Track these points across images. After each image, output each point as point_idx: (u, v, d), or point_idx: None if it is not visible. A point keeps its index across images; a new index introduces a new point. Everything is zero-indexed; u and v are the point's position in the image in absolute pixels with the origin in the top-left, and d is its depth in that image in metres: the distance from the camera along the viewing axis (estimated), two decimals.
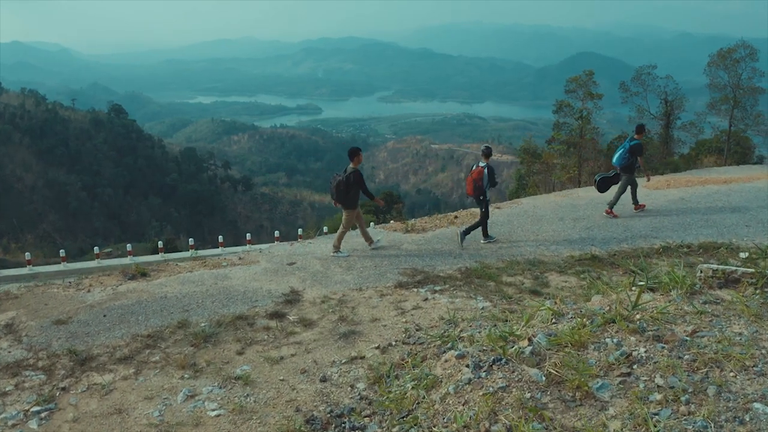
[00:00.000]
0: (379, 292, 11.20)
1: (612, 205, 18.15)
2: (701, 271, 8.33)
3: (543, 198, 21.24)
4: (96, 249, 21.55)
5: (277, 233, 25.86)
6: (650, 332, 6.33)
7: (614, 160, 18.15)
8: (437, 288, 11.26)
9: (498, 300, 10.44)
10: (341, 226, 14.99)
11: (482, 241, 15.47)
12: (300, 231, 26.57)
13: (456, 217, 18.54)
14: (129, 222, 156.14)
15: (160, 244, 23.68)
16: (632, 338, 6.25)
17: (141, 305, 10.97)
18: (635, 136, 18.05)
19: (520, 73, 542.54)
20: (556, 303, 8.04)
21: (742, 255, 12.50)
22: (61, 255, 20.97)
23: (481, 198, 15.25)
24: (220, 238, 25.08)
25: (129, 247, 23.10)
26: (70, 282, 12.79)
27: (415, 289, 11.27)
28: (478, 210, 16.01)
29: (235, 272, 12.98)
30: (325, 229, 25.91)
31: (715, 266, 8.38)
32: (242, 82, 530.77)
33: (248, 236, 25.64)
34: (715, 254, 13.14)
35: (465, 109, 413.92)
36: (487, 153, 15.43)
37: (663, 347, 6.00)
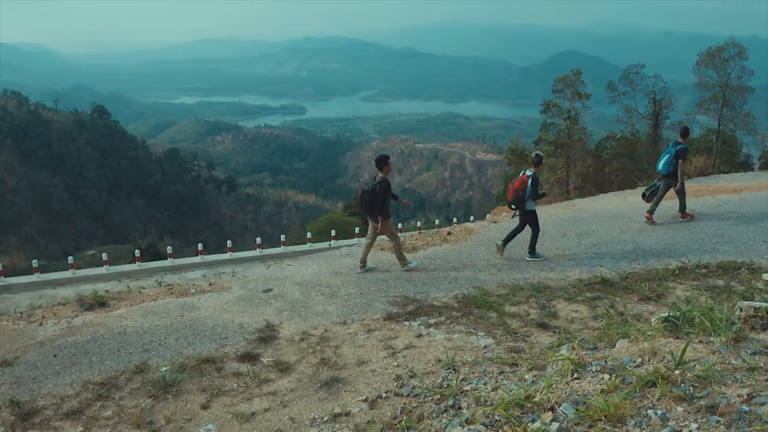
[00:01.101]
0: (366, 326, 9.78)
1: (651, 211, 17.04)
2: (741, 309, 7.12)
3: (543, 211, 19.61)
4: (70, 259, 20.14)
5: (258, 240, 24.47)
6: (700, 400, 5.02)
7: (660, 167, 16.82)
8: (432, 321, 9.81)
9: (502, 335, 9.07)
10: (390, 240, 14.02)
11: (528, 258, 14.20)
12: (283, 237, 25.19)
13: (449, 233, 17.03)
14: (112, 224, 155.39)
15: (137, 252, 22.23)
16: (679, 408, 4.92)
17: (96, 343, 9.58)
18: (680, 140, 16.70)
19: (504, 72, 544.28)
20: (573, 348, 6.76)
21: (765, 277, 11.40)
22: (33, 266, 19.64)
23: (525, 209, 14.07)
24: (200, 246, 23.62)
25: (104, 256, 21.71)
26: (21, 313, 11.40)
27: (407, 323, 9.81)
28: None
29: (205, 301, 11.53)
30: (331, 243, 24.41)
31: (756, 304, 7.16)
32: (226, 82, 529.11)
33: (229, 243, 24.18)
34: (736, 275, 11.89)
35: (449, 108, 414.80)
36: (537, 161, 14.22)
37: (718, 421, 4.69)
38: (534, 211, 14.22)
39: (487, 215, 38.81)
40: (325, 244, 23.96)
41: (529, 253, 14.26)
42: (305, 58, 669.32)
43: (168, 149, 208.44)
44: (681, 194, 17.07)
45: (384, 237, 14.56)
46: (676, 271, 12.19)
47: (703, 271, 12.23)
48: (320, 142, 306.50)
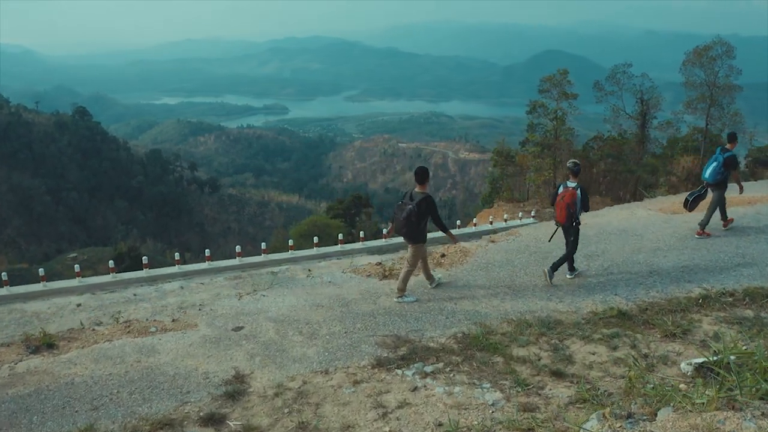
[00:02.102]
0: (352, 376, 8.30)
1: (704, 225, 15.75)
2: None
3: (543, 228, 18.21)
4: (41, 271, 18.66)
5: (238, 248, 23.11)
6: None
7: (706, 175, 15.40)
8: (428, 369, 8.34)
9: (511, 387, 7.65)
10: (406, 264, 12.21)
11: (568, 276, 12.91)
12: (263, 245, 23.76)
13: (443, 255, 15.40)
14: (95, 226, 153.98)
15: (111, 263, 20.77)
16: None
17: (40, 397, 8.11)
18: (728, 146, 15.32)
19: (486, 71, 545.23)
20: (605, 418, 5.40)
21: None
22: (3, 278, 18.22)
23: (574, 224, 12.55)
24: (177, 255, 22.20)
25: (77, 267, 20.21)
26: None
27: (400, 371, 8.32)
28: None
29: (166, 343, 9.96)
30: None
31: None
32: (208, 82, 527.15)
33: (207, 252, 22.82)
34: (766, 305, 10.54)
35: (432, 107, 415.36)
36: (576, 170, 12.58)
37: None
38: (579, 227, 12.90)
39: (474, 219, 37.73)
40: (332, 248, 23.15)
41: (569, 270, 13.06)
42: (287, 58, 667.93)
43: (150, 150, 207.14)
44: (716, 209, 15.78)
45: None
46: (700, 300, 10.79)
47: (729, 299, 10.84)
48: (303, 142, 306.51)
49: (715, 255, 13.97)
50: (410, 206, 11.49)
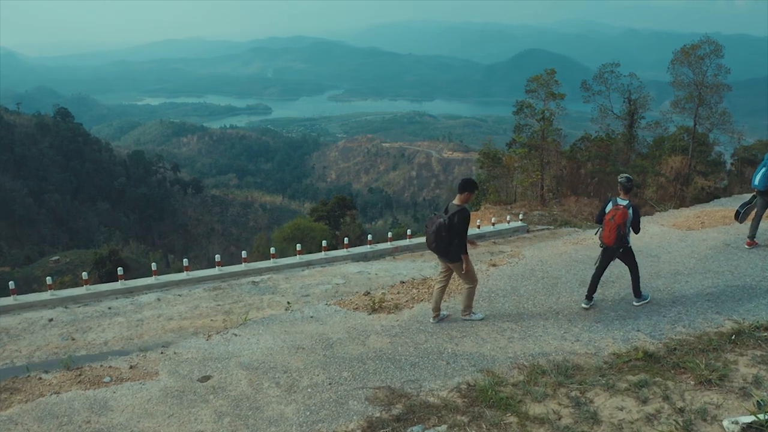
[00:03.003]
0: None
1: (752, 235, 14.64)
2: None
3: (549, 248, 16.75)
4: (11, 284, 17.40)
5: (218, 257, 21.91)
6: None
7: (756, 182, 14.12)
8: None
9: None
10: (465, 283, 11.07)
11: (635, 303, 11.55)
12: (244, 254, 22.51)
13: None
14: (77, 228, 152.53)
15: (85, 275, 19.49)
16: None
17: None
18: None
19: (468, 70, 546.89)
20: None
21: None
22: None
23: (626, 246, 11.15)
24: (154, 266, 20.94)
25: (49, 280, 18.95)
26: None
27: None
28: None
29: (121, 397, 8.49)
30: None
31: None
32: (191, 82, 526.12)
33: (186, 262, 21.62)
34: None
35: (415, 107, 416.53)
36: (629, 186, 11.03)
37: None
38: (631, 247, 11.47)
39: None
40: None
41: (635, 296, 11.65)
42: (270, 58, 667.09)
43: (132, 151, 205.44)
44: (762, 216, 14.66)
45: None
46: (732, 336, 9.44)
47: (764, 334, 9.50)
48: (286, 143, 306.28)
49: (741, 280, 12.60)
50: (441, 219, 10.34)
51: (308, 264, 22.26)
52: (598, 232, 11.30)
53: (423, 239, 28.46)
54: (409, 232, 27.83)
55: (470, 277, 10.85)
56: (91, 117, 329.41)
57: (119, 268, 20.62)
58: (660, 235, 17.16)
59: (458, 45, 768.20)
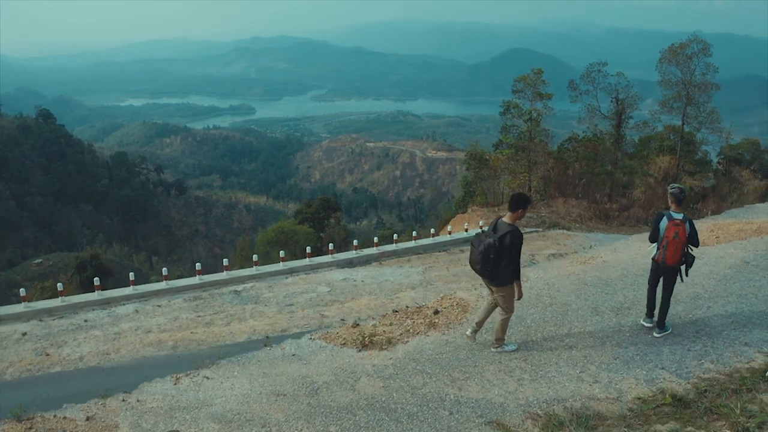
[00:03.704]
0: None
1: None
2: None
3: (555, 269, 15.27)
4: None
5: (198, 266, 21.25)
6: None
7: None
8: None
9: None
10: (501, 311, 10.00)
11: (656, 335, 10.40)
12: (225, 262, 21.80)
13: (436, 312, 12.35)
14: (60, 230, 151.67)
15: (60, 286, 18.75)
16: None
17: None
18: None
19: (452, 70, 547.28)
20: None
21: None
22: None
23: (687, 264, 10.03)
24: (131, 275, 20.21)
25: (23, 291, 18.31)
26: None
27: None
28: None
29: None
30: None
31: None
32: (174, 83, 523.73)
33: (164, 271, 21.00)
34: None
35: (399, 106, 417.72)
36: (681, 197, 9.96)
37: None
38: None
39: (448, 227, 35.89)
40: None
41: (657, 327, 10.57)
42: (253, 58, 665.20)
43: (115, 153, 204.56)
44: None
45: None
46: (766, 373, 8.58)
47: None
48: (270, 143, 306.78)
49: (767, 304, 11.59)
50: (490, 240, 9.29)
51: (292, 271, 21.67)
52: (657, 254, 10.17)
53: (410, 244, 27.80)
54: (395, 236, 27.19)
55: (509, 305, 9.88)
56: (73, 118, 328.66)
57: (96, 279, 19.87)
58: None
59: (442, 44, 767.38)
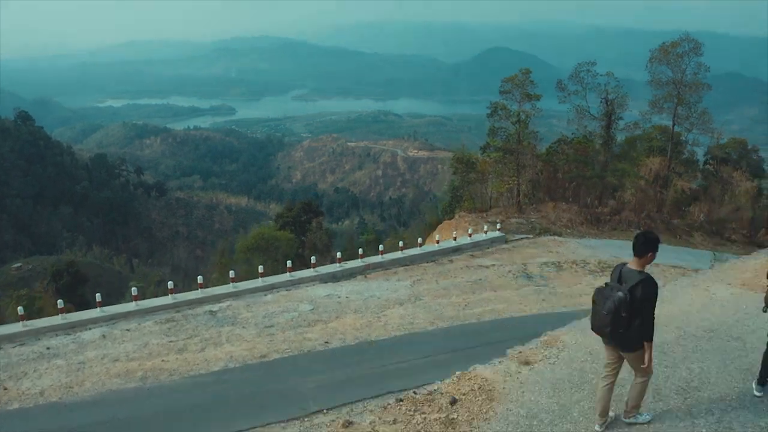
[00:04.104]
0: None
1: None
2: None
3: (593, 333, 11.28)
4: None
5: (171, 284, 20.21)
6: None
7: None
8: None
9: None
10: (637, 376, 8.00)
11: (756, 393, 8.62)
12: (200, 279, 20.74)
13: (454, 402, 9.10)
14: (40, 233, 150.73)
15: (21, 310, 17.56)
16: None
17: None
18: None
19: (433, 69, 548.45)
20: None
21: None
22: None
23: None
24: (98, 296, 19.04)
25: None
26: None
27: None
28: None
29: None
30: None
31: None
32: (154, 83, 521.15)
33: (134, 291, 19.94)
34: None
35: (380, 106, 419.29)
36: None
37: None
38: None
39: (436, 235, 34.79)
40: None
41: (758, 382, 8.77)
42: (234, 58, 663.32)
43: (95, 155, 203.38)
44: None
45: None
46: None
47: None
48: (251, 143, 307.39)
49: None
50: (619, 293, 7.29)
51: (272, 288, 20.64)
52: None
53: (397, 254, 26.62)
54: (381, 247, 26.22)
55: (650, 367, 7.74)
56: (53, 120, 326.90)
57: (59, 301, 18.69)
58: (733, 304, 12.90)
59: (423, 43, 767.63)
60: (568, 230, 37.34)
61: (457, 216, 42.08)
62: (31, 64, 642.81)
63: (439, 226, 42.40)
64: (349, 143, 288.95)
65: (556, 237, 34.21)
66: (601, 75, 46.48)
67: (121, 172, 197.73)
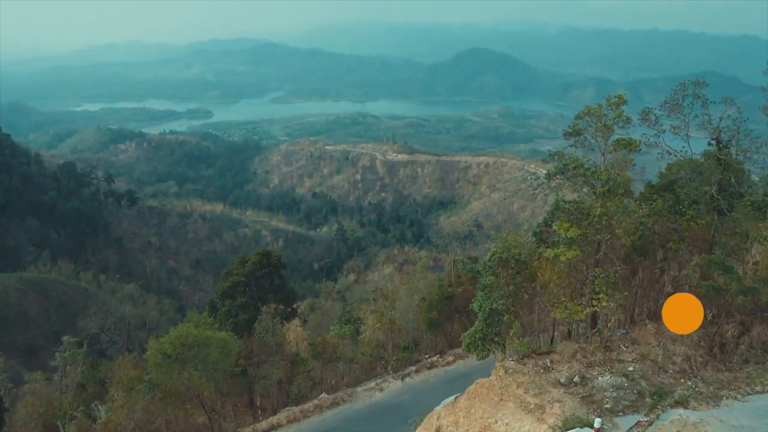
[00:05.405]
0: None
1: None
2: None
3: None
4: None
5: None
6: None
7: None
8: None
9: None
10: None
11: None
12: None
13: None
14: (5, 247, 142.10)
15: None
16: None
17: None
18: None
19: (411, 70, 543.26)
20: None
21: None
22: None
23: None
24: None
25: None
26: None
27: None
28: None
29: None
30: None
31: None
32: (130, 87, 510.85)
33: None
34: None
35: (358, 107, 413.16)
36: None
37: None
38: None
39: None
40: None
41: None
42: (211, 61, 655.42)
43: (63, 163, 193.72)
44: None
45: None
46: None
47: None
48: (228, 147, 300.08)
49: None
50: None
51: None
52: None
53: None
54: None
55: None
56: (27, 125, 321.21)
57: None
58: None
59: (401, 45, 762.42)
60: (690, 383, 21.60)
61: (498, 366, 23.78)
62: (3, 69, 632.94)
63: (459, 398, 25.23)
64: (327, 146, 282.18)
65: (684, 412, 19.43)
66: (714, 102, 27.54)
67: (90, 181, 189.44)
